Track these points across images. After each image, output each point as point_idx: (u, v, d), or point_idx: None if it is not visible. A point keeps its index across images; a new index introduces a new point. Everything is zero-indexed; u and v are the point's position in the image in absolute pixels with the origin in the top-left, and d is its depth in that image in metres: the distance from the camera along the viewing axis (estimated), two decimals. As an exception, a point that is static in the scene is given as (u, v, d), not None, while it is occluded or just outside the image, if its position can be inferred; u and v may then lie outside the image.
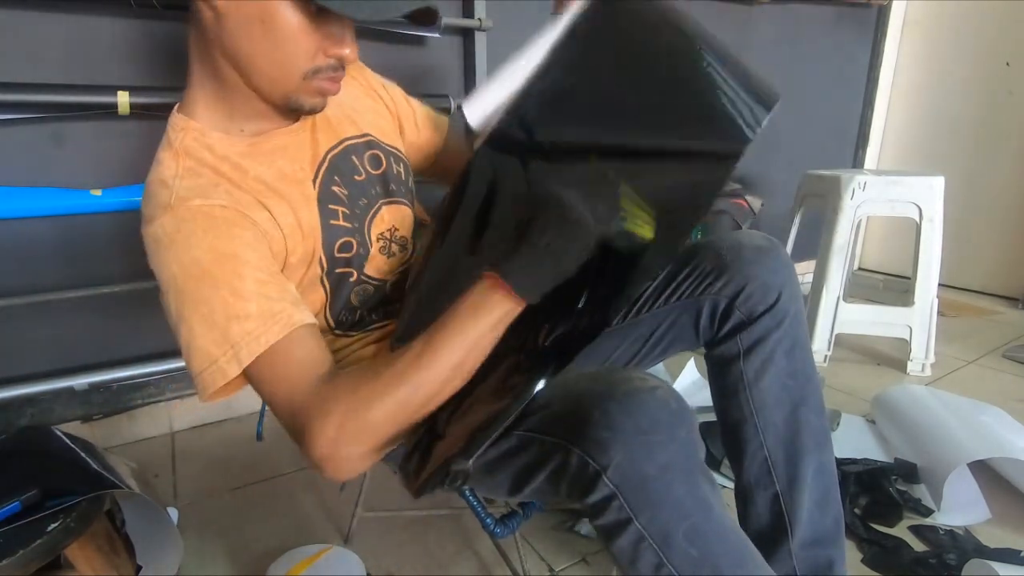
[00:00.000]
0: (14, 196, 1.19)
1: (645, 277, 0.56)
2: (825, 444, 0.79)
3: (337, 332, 0.75)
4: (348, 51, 0.63)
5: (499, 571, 1.01)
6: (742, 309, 0.78)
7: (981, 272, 2.48)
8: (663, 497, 0.53)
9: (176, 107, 0.70)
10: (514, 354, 0.59)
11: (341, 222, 0.71)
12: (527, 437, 0.61)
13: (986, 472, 1.21)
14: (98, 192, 1.25)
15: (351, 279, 0.73)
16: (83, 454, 0.87)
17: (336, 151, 0.74)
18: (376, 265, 0.75)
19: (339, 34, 0.62)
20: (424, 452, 0.59)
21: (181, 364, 1.42)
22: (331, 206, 0.71)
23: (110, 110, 1.18)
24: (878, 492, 1.15)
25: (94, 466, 0.84)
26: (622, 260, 0.56)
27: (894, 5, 2.52)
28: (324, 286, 0.71)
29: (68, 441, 0.91)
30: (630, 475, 0.52)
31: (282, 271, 0.65)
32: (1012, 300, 2.39)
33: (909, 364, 1.76)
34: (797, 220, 2.07)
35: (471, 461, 0.55)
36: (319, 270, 0.70)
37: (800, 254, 2.12)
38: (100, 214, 1.30)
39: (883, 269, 2.75)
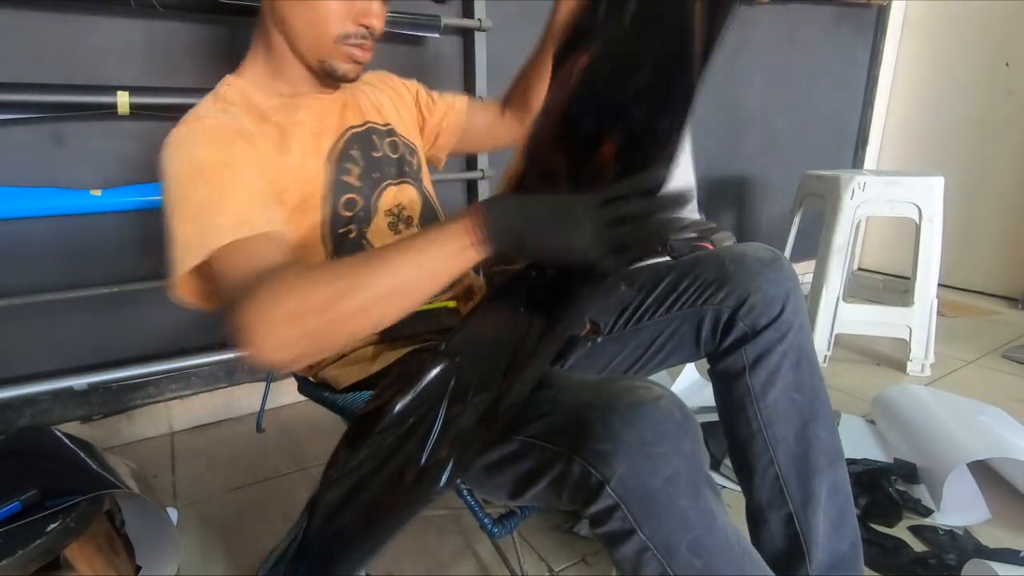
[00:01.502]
0: (14, 196, 1.19)
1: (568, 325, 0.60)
2: (838, 462, 0.78)
3: None
4: (375, 21, 0.75)
5: (498, 571, 1.01)
6: (745, 321, 0.77)
7: (981, 272, 2.48)
8: (667, 510, 0.53)
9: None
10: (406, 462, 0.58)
11: (353, 180, 0.79)
12: (528, 443, 0.60)
13: (986, 472, 1.21)
14: (98, 192, 1.25)
15: (351, 236, 0.78)
16: (82, 454, 0.87)
17: (359, 129, 0.83)
18: (381, 237, 0.80)
19: (366, 6, 0.74)
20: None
21: (181, 364, 1.42)
22: (346, 164, 0.79)
23: (110, 110, 1.18)
24: (878, 492, 1.15)
25: (94, 466, 0.84)
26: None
27: (894, 5, 2.52)
28: (325, 245, 0.76)
29: (68, 441, 0.91)
30: (634, 487, 0.52)
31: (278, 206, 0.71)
32: (1012, 300, 2.39)
33: (909, 364, 1.76)
34: (797, 220, 2.07)
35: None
36: (318, 224, 0.75)
37: (800, 254, 2.13)
38: (100, 214, 1.30)
39: (883, 269, 2.75)
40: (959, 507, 1.12)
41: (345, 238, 0.77)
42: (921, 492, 1.17)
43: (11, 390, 1.25)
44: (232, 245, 0.61)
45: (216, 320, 1.48)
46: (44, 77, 1.19)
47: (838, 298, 1.80)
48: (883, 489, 1.15)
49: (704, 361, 0.85)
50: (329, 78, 0.78)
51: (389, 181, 0.83)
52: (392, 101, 0.93)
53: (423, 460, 0.57)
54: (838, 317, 1.80)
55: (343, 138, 0.80)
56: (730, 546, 0.56)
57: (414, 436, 0.58)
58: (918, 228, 1.74)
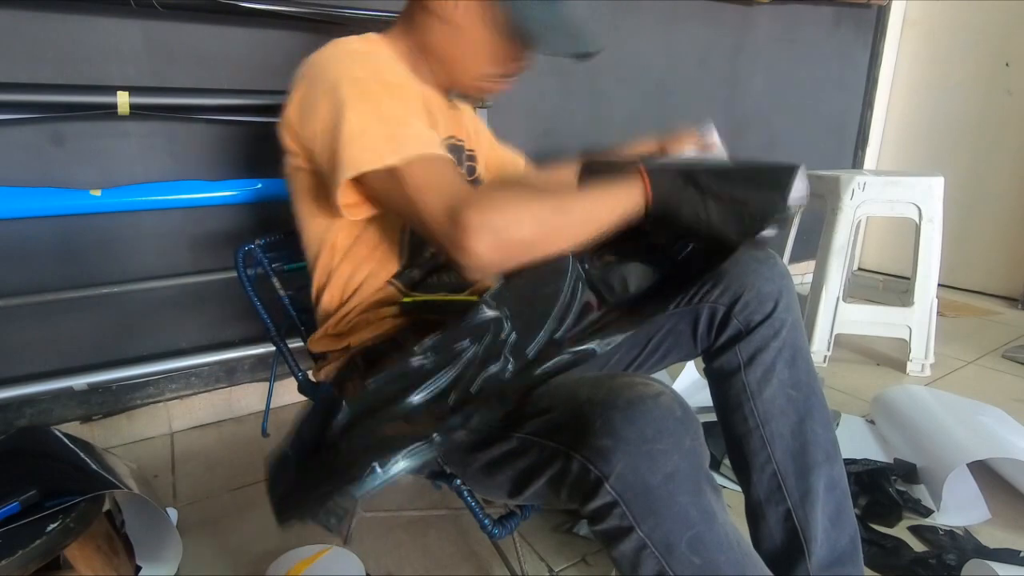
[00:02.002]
0: (14, 196, 1.19)
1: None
2: (835, 458, 0.78)
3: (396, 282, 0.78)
4: (520, 69, 0.78)
5: (498, 571, 1.01)
6: (739, 318, 0.78)
7: (981, 272, 2.48)
8: (667, 507, 0.52)
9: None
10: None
11: None
12: (528, 441, 0.60)
13: (986, 472, 1.21)
14: (98, 192, 1.25)
15: None
16: (82, 454, 0.87)
17: (457, 142, 0.86)
18: None
19: (521, 54, 0.76)
20: (308, 475, 0.59)
21: (181, 364, 1.43)
22: None
23: (110, 110, 1.18)
24: (878, 492, 1.15)
25: (93, 466, 0.84)
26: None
27: (894, 5, 2.52)
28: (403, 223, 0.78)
29: (67, 441, 0.91)
30: (633, 484, 0.52)
31: None
32: (1012, 300, 2.39)
33: (909, 364, 1.76)
34: (797, 220, 2.07)
35: (358, 494, 0.53)
36: None
37: (800, 254, 2.13)
38: (100, 214, 1.30)
39: (883, 269, 2.75)
40: (959, 507, 1.12)
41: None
42: (921, 492, 1.17)
43: (11, 390, 1.25)
44: (425, 158, 0.64)
45: (216, 320, 1.49)
46: (44, 77, 1.19)
47: (838, 298, 1.80)
48: (883, 489, 1.15)
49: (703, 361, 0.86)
50: (453, 95, 0.83)
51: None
52: (476, 132, 0.96)
53: (451, 401, 0.59)
54: (838, 317, 1.80)
55: (446, 142, 0.81)
56: (730, 545, 0.56)
57: (447, 372, 0.60)
58: (918, 228, 1.74)
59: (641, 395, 0.54)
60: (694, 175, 0.65)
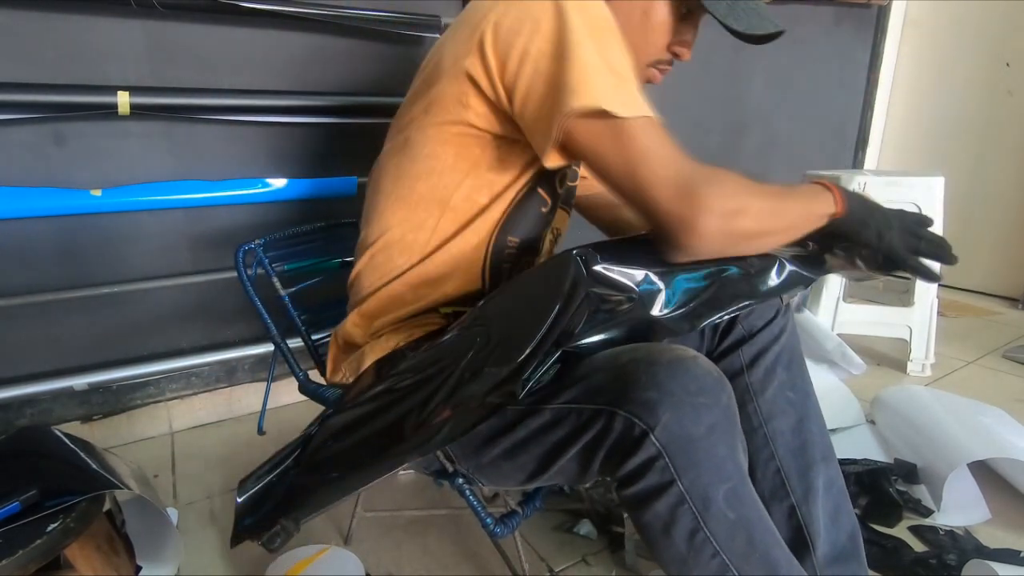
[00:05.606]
0: (14, 196, 1.19)
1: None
2: (830, 459, 0.81)
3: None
4: (687, 52, 0.74)
5: (499, 571, 1.01)
6: (743, 324, 0.81)
7: (981, 272, 2.48)
8: (707, 458, 0.55)
9: None
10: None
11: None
12: (564, 409, 0.61)
13: (986, 472, 1.21)
14: (98, 192, 1.25)
15: (543, 211, 0.76)
16: (82, 454, 0.87)
17: None
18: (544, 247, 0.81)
19: (688, 38, 0.73)
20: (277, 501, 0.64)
21: (181, 364, 1.43)
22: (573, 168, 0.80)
23: (110, 110, 1.18)
24: (878, 492, 1.15)
25: (94, 466, 0.84)
26: None
27: (894, 5, 2.52)
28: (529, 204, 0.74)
29: (67, 441, 0.91)
30: (677, 435, 0.54)
31: None
32: (1012, 300, 2.39)
33: (909, 364, 1.76)
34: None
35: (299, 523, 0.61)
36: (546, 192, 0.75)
37: (800, 254, 2.12)
38: (100, 214, 1.30)
39: (883, 269, 2.75)
40: (960, 507, 1.12)
41: (533, 210, 0.75)
42: (921, 492, 1.17)
43: (11, 390, 1.25)
44: (653, 121, 0.59)
45: (216, 320, 1.48)
46: (44, 77, 1.19)
47: (838, 298, 1.80)
48: (883, 489, 1.15)
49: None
50: None
51: (563, 204, 0.82)
52: None
53: (424, 415, 0.58)
54: (838, 317, 1.80)
55: None
56: (759, 504, 0.58)
57: (425, 388, 0.59)
58: (918, 228, 1.74)
59: (680, 356, 0.57)
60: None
